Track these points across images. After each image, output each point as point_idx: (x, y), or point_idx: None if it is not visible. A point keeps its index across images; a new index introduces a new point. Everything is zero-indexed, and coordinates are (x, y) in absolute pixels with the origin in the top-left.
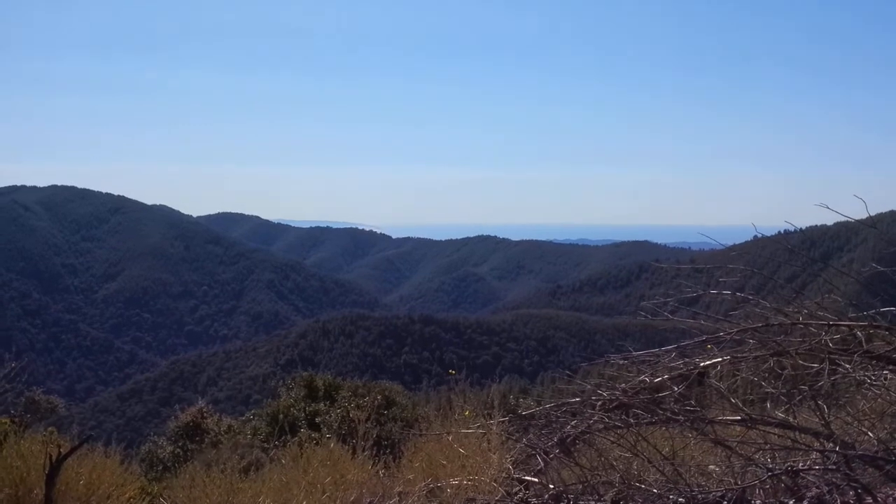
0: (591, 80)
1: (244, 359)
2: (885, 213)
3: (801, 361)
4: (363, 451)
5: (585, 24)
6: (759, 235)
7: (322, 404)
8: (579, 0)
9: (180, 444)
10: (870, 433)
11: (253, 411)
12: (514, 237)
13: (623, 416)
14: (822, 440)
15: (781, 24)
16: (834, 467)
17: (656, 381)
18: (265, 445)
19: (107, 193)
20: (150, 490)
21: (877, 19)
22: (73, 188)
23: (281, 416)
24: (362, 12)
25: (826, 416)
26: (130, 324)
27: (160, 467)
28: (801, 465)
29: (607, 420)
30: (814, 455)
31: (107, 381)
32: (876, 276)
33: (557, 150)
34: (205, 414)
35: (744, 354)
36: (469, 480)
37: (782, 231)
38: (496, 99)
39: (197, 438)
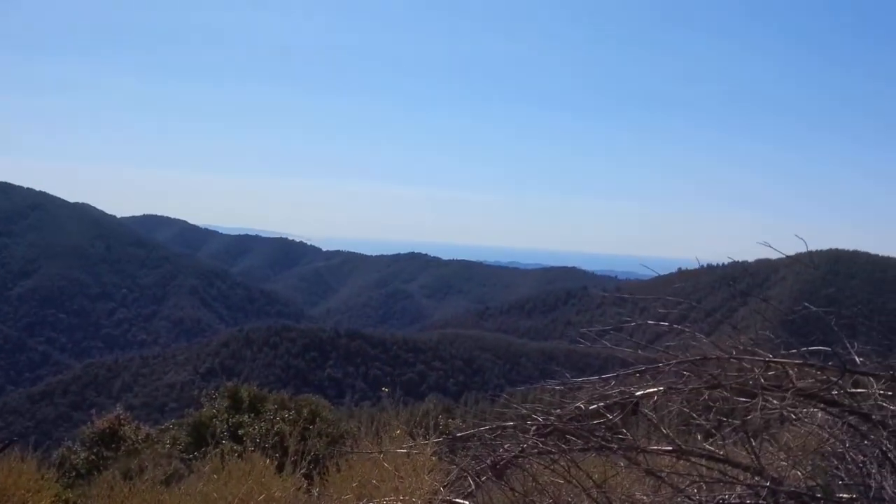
0: (531, 106)
1: (162, 365)
2: (804, 253)
3: (734, 396)
4: (296, 467)
5: (514, 48)
6: (683, 269)
7: (246, 416)
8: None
9: (95, 450)
10: (798, 469)
11: (173, 421)
12: (445, 256)
13: (556, 442)
14: (751, 474)
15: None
16: (763, 502)
17: (591, 408)
18: (185, 456)
19: (28, 188)
20: (65, 497)
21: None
22: None
23: (203, 426)
24: (297, 21)
25: (756, 450)
26: (45, 323)
27: (73, 474)
28: (728, 497)
29: (541, 445)
30: (739, 489)
31: (17, 382)
32: (791, 312)
33: (491, 172)
34: (122, 421)
35: (679, 386)
36: (401, 501)
37: (705, 265)
38: (434, 118)
39: (113, 446)
